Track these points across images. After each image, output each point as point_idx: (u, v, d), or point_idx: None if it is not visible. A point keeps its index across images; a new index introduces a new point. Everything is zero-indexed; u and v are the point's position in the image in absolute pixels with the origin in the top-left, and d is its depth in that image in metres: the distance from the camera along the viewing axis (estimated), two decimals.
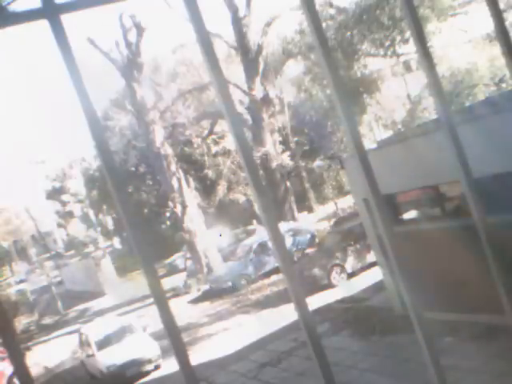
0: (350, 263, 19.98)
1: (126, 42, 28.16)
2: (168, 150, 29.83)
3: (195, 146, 38.96)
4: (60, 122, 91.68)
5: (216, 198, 38.45)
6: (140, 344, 17.95)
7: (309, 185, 39.13)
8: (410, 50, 27.03)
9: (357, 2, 28.57)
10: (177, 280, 30.29)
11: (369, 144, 25.57)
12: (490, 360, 9.42)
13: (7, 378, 20.25)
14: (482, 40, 27.02)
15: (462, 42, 27.45)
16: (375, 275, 16.04)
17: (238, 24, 32.99)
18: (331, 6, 30.15)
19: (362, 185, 3.39)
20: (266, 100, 34.20)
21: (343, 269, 19.97)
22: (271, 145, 34.67)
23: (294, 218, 34.69)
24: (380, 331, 13.00)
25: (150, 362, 17.46)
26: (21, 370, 2.65)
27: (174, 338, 2.90)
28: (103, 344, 18.39)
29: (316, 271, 20.01)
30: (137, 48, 28.15)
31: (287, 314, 15.90)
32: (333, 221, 29.32)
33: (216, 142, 38.91)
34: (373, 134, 33.21)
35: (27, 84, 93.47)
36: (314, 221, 34.29)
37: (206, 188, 39.14)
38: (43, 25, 2.88)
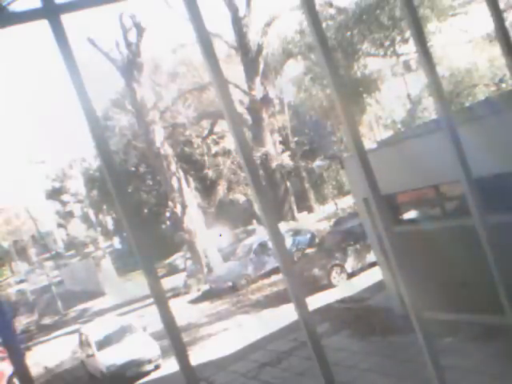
0: (350, 263, 19.97)
1: (126, 42, 28.16)
2: (168, 150, 29.83)
3: (195, 146, 38.98)
4: (60, 122, 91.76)
5: (216, 198, 38.47)
6: (140, 344, 17.93)
7: (309, 185, 39.14)
8: (410, 49, 27.06)
9: (357, 2, 28.58)
10: (177, 280, 30.28)
11: (369, 144, 25.59)
12: (490, 360, 9.42)
13: (7, 377, 20.24)
14: (482, 40, 27.01)
15: (462, 42, 27.45)
16: (375, 275, 16.04)
17: (238, 24, 33.02)
18: (331, 6, 30.17)
19: (362, 185, 3.39)
20: (266, 100, 34.23)
21: (343, 269, 19.96)
22: (271, 145, 34.70)
23: (293, 218, 34.71)
24: (380, 331, 12.99)
25: (149, 362, 17.43)
26: (21, 370, 2.65)
27: (174, 338, 2.90)
28: (103, 344, 18.38)
29: (316, 271, 20.00)
30: (137, 48, 28.14)
31: (287, 314, 15.88)
32: (333, 221, 29.31)
33: (216, 142, 38.93)
34: (373, 134, 33.24)
35: (27, 84, 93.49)
36: (314, 221, 34.27)
37: (206, 188, 39.16)
38: (43, 25, 2.88)
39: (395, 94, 30.33)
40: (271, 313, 19.15)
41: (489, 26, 19.82)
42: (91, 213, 55.14)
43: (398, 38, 27.59)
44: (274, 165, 34.33)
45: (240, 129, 3.21)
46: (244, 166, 3.14)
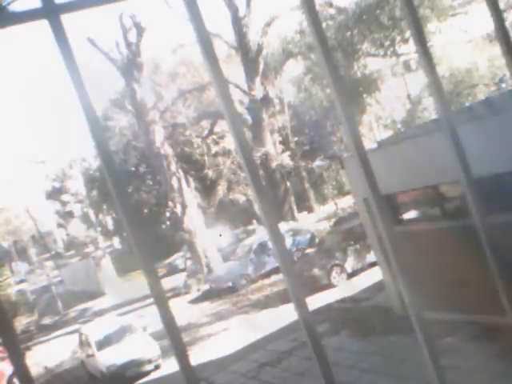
0: (350, 263, 19.97)
1: (126, 42, 28.14)
2: (168, 150, 29.83)
3: (195, 146, 38.93)
4: (60, 122, 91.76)
5: (216, 198, 38.45)
6: (140, 344, 17.93)
7: (309, 185, 39.10)
8: (410, 49, 27.05)
9: (357, 2, 28.57)
10: (177, 280, 30.29)
11: (369, 144, 25.59)
12: (490, 360, 9.42)
13: (7, 377, 20.24)
14: (482, 40, 27.02)
15: (462, 42, 27.45)
16: (375, 275, 16.04)
17: (238, 24, 33.01)
18: (331, 6, 30.17)
19: (362, 185, 3.39)
20: (266, 100, 34.23)
21: (343, 269, 19.96)
22: (271, 145, 34.69)
23: (293, 218, 34.70)
24: (380, 331, 12.99)
25: (149, 362, 17.44)
26: (21, 370, 2.65)
27: (174, 338, 2.90)
28: (103, 344, 18.38)
29: (316, 271, 20.00)
30: (137, 48, 28.13)
31: (287, 314, 15.89)
32: (333, 221, 29.30)
33: (216, 142, 38.89)
34: (373, 134, 33.24)
35: (27, 84, 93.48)
36: (314, 221, 34.26)
37: (206, 188, 39.13)
38: (43, 25, 2.88)
39: (395, 94, 30.32)
40: (271, 313, 19.15)
41: (489, 26, 19.81)
42: (91, 213, 55.21)
43: (398, 38, 27.59)
44: (274, 165, 34.32)
45: (240, 129, 3.21)
46: (244, 166, 3.14)
